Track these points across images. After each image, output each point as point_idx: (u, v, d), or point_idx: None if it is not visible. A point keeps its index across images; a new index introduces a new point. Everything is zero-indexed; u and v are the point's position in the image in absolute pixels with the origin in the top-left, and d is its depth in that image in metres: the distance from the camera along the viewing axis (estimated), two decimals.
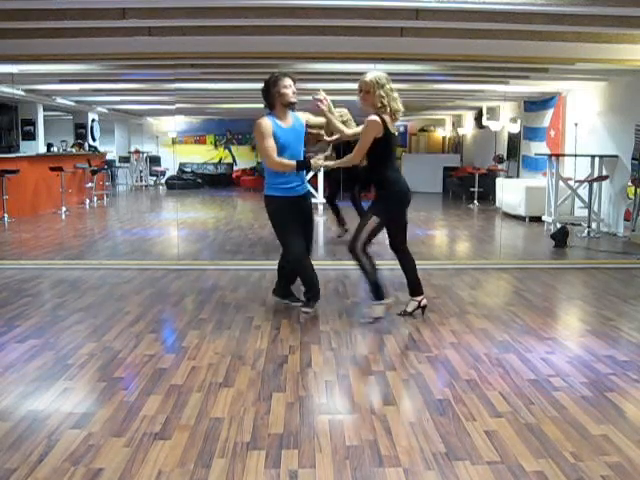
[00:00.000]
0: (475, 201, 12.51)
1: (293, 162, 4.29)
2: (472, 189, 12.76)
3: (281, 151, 4.30)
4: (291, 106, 4.37)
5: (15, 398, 3.06)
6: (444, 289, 5.50)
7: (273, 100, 4.32)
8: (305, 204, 4.58)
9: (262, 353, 3.76)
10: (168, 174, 16.04)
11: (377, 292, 4.42)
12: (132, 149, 16.62)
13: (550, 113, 10.92)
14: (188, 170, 16.66)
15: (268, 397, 3.10)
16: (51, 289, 5.45)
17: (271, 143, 4.25)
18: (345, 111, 7.00)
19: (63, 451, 2.52)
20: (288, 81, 4.30)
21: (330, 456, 2.50)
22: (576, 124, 9.58)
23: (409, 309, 4.57)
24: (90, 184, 12.70)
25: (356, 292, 5.38)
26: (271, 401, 3.05)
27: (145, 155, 15.75)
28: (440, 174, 16.15)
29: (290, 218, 4.42)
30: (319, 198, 11.86)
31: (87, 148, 13.98)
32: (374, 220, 4.36)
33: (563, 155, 10.07)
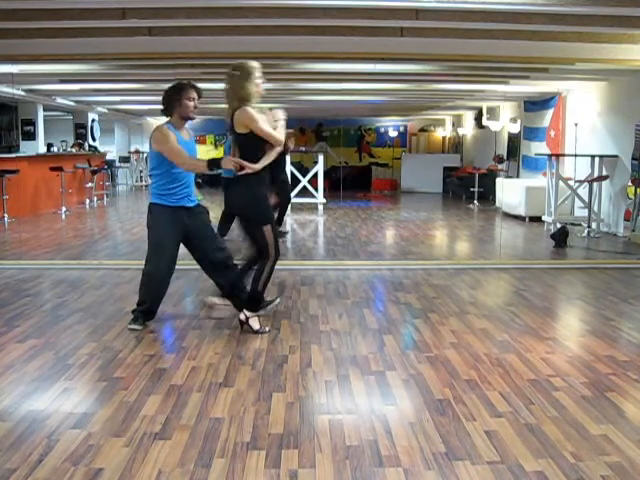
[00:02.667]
0: (475, 201, 12.52)
1: (204, 161, 4.06)
2: (472, 189, 12.77)
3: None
4: (188, 120, 4.22)
5: (15, 398, 3.06)
6: (444, 289, 5.50)
7: (172, 108, 4.12)
8: (192, 217, 4.30)
9: (262, 353, 3.76)
10: None
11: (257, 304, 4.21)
12: (132, 149, 16.64)
13: (550, 113, 10.92)
14: None
15: (268, 397, 3.10)
16: (51, 289, 5.45)
17: (177, 145, 4.05)
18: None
19: (63, 451, 2.52)
20: (193, 94, 4.13)
21: (330, 456, 2.50)
22: (576, 124, 9.59)
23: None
24: (90, 184, 12.71)
25: (356, 292, 5.38)
26: (271, 401, 3.05)
27: (145, 155, 15.75)
28: (440, 174, 16.18)
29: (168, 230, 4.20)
30: (319, 198, 11.87)
31: (87, 148, 13.99)
32: (261, 227, 4.15)
33: (563, 155, 10.08)
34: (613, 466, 2.43)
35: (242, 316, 4.14)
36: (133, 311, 4.34)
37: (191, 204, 4.32)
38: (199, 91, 4.19)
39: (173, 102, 4.13)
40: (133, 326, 4.24)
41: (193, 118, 4.25)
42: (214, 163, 4.00)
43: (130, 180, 16.65)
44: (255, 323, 4.16)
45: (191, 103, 4.13)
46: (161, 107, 4.21)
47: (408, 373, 3.45)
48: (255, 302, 4.17)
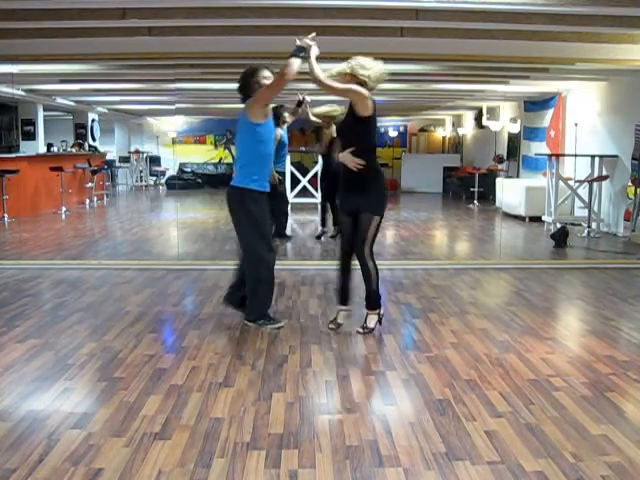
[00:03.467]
0: (475, 201, 12.52)
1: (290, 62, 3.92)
2: (472, 189, 12.76)
3: (264, 145, 4.15)
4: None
5: (15, 398, 3.06)
6: (444, 289, 5.50)
7: (251, 91, 4.11)
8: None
9: (262, 353, 3.76)
10: (168, 174, 16.04)
11: (377, 300, 4.20)
12: (132, 149, 16.62)
13: (550, 113, 10.92)
14: (188, 170, 16.67)
15: (268, 397, 3.09)
16: (51, 289, 5.45)
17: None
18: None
19: (63, 451, 2.52)
20: (267, 72, 4.14)
21: (330, 456, 2.50)
22: (576, 124, 9.59)
23: (371, 324, 4.18)
24: (90, 184, 12.71)
25: (356, 292, 5.37)
26: (271, 401, 3.05)
27: (145, 155, 15.76)
28: (440, 174, 16.16)
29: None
30: (319, 198, 11.85)
31: (87, 148, 13.98)
32: (376, 219, 4.08)
33: (563, 155, 10.07)
34: (613, 466, 2.43)
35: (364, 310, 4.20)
36: (262, 320, 4.26)
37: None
38: (271, 70, 4.20)
39: (252, 85, 4.12)
40: (276, 325, 4.25)
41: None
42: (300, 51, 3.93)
43: (130, 180, 16.63)
44: (371, 322, 4.17)
45: (269, 82, 4.12)
46: (240, 95, 4.22)
47: (408, 373, 3.45)
48: (376, 298, 4.18)
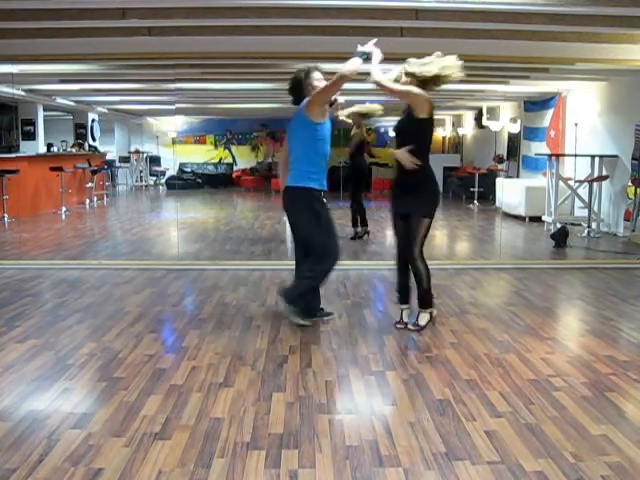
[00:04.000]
0: (475, 201, 12.51)
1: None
2: (472, 189, 12.77)
3: (322, 144, 4.23)
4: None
5: (15, 398, 3.06)
6: (444, 289, 5.50)
7: (307, 93, 4.20)
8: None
9: (262, 353, 3.76)
10: (168, 174, 16.04)
11: (429, 299, 4.29)
12: (132, 149, 16.62)
13: (550, 113, 10.92)
14: (188, 170, 16.67)
15: (268, 397, 3.09)
16: (51, 289, 5.45)
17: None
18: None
19: (63, 451, 2.52)
20: (319, 74, 4.24)
21: (330, 456, 2.50)
22: (576, 124, 9.59)
23: (422, 322, 4.27)
24: (90, 184, 12.71)
25: (356, 292, 5.38)
26: (271, 401, 3.05)
27: (145, 155, 15.75)
28: (440, 174, 16.14)
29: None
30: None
31: (87, 148, 13.98)
32: (425, 222, 4.17)
33: (563, 155, 10.07)
34: (613, 466, 2.43)
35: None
36: (294, 306, 4.29)
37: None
38: (322, 71, 4.28)
39: (305, 87, 4.21)
40: (300, 321, 4.29)
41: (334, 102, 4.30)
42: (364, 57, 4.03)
43: (130, 180, 16.62)
44: (423, 320, 4.23)
45: (321, 84, 4.19)
46: (291, 97, 4.32)
47: (408, 373, 3.45)
48: (429, 298, 4.27)
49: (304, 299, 4.35)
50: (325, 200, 4.32)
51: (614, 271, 6.37)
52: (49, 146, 12.64)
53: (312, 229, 4.24)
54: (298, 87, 4.26)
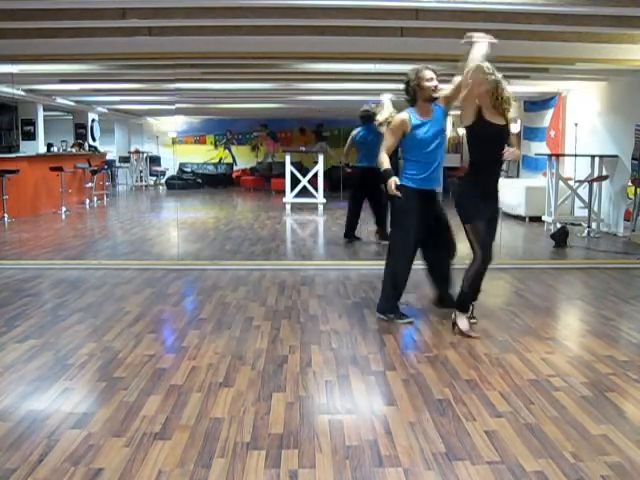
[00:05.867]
0: None
1: (388, 166, 4.26)
2: None
3: (419, 146, 4.29)
4: (433, 100, 4.29)
5: (15, 398, 3.06)
6: None
7: (416, 95, 4.25)
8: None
9: (262, 353, 3.76)
10: (168, 174, 16.04)
11: (468, 303, 4.27)
12: (132, 149, 16.62)
13: (550, 113, 10.91)
14: (188, 170, 16.67)
15: (268, 397, 3.09)
16: (51, 289, 5.45)
17: (391, 142, 4.32)
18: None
19: (63, 451, 2.52)
20: (430, 74, 4.22)
21: (330, 456, 2.50)
22: (576, 124, 9.58)
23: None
24: (90, 184, 12.70)
25: (357, 293, 5.38)
26: (271, 401, 3.05)
27: (145, 155, 15.75)
28: None
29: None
30: (319, 198, 11.87)
31: (87, 148, 13.98)
32: (467, 227, 4.22)
33: (563, 155, 10.07)
34: (613, 466, 2.43)
35: (453, 315, 4.22)
36: (393, 314, 4.44)
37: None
38: (434, 70, 4.27)
39: (414, 89, 4.23)
40: (405, 321, 4.40)
41: (437, 98, 4.29)
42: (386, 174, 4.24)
43: (130, 180, 16.62)
44: (463, 324, 4.16)
45: (430, 84, 4.20)
46: (406, 98, 4.34)
47: (408, 373, 3.45)
48: (462, 302, 4.22)
49: (387, 299, 4.52)
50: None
51: (614, 271, 6.37)
52: (49, 146, 12.64)
53: (397, 225, 4.59)
54: (407, 87, 4.29)
